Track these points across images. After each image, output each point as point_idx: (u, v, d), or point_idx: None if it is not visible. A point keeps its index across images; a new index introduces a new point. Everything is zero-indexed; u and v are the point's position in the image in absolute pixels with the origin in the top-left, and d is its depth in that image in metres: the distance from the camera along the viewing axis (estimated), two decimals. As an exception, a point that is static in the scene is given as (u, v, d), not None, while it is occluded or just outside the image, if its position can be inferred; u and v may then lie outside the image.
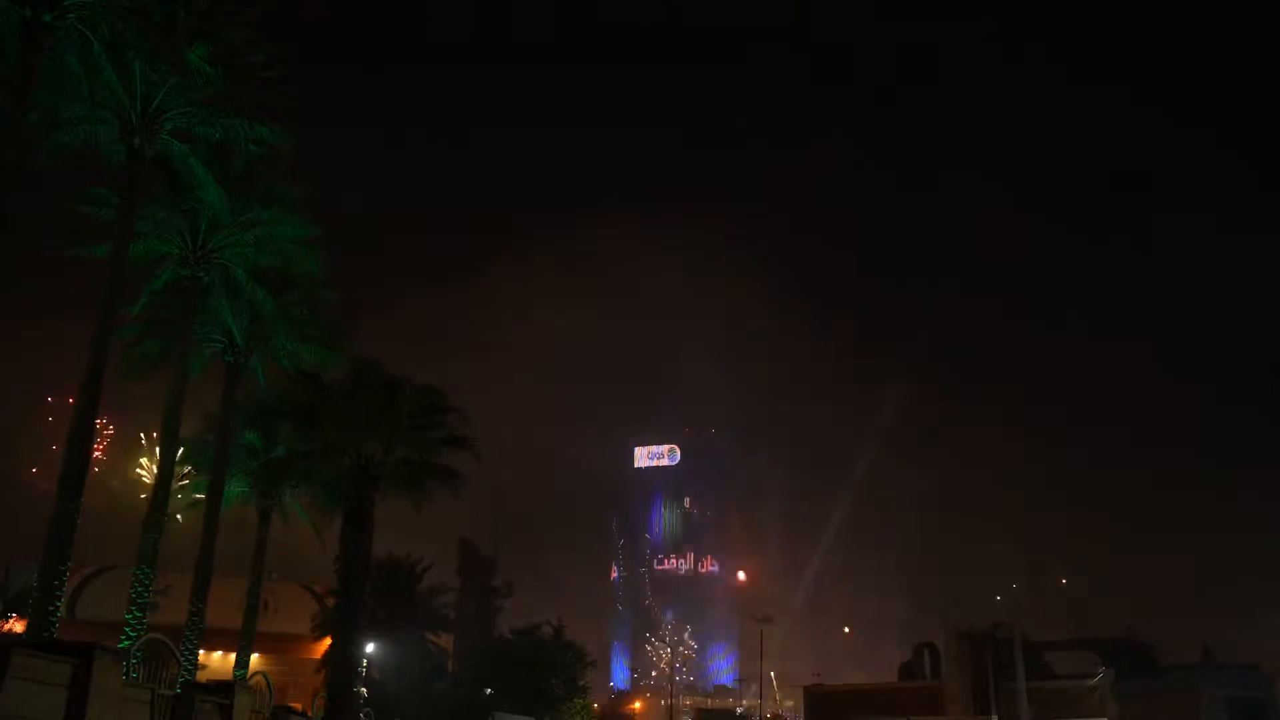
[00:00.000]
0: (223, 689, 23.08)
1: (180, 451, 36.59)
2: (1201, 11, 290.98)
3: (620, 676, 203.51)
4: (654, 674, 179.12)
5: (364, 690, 42.92)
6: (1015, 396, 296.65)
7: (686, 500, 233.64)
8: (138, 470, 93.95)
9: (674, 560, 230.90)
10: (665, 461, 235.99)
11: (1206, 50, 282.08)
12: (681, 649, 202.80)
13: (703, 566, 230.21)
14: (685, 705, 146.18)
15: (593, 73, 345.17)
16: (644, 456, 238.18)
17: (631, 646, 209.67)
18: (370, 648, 49.91)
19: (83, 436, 26.10)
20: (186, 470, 46.76)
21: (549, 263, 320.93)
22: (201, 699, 21.39)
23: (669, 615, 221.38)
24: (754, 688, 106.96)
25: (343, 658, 32.94)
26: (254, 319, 37.74)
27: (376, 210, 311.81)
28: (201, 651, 37.93)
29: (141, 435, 67.58)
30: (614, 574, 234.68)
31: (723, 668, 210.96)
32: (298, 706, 33.99)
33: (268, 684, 27.75)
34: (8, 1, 24.05)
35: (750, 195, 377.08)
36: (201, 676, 35.25)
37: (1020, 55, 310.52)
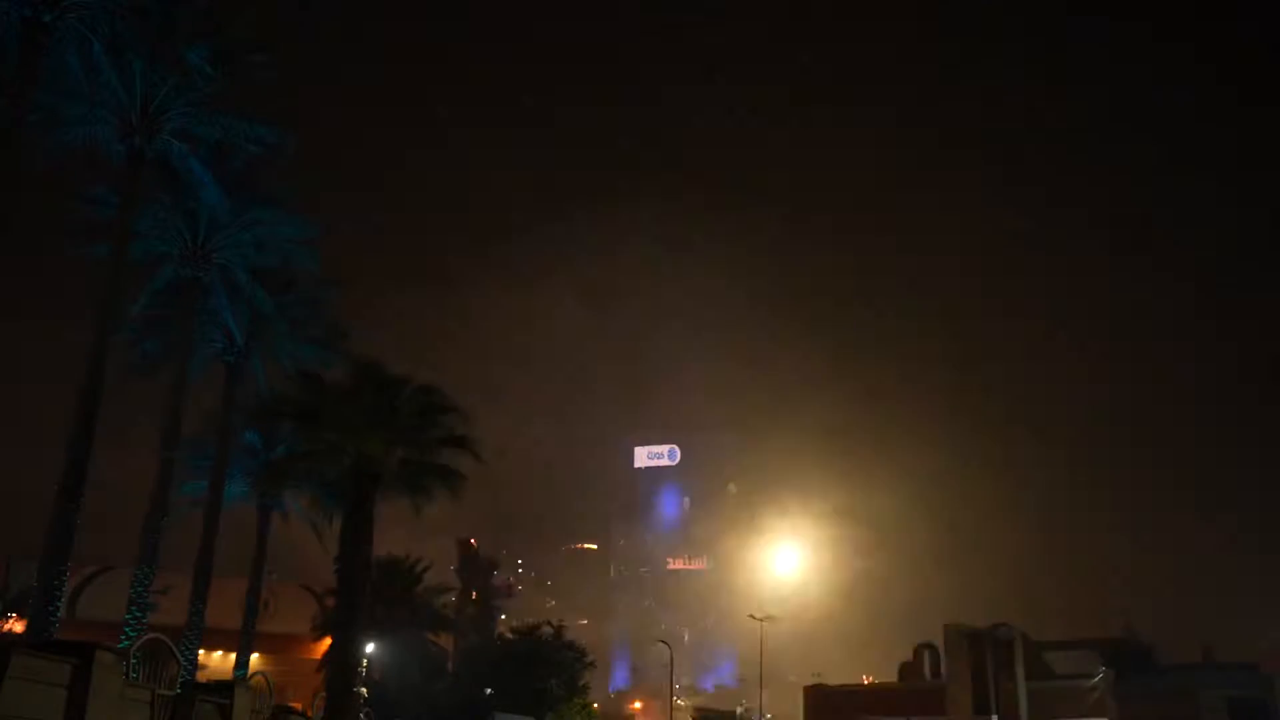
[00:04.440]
0: (223, 689, 23.07)
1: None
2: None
3: (620, 676, 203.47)
4: (654, 674, 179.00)
5: (364, 690, 42.91)
6: (1015, 395, 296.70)
7: (686, 500, 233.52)
8: None
9: (674, 560, 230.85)
10: (665, 461, 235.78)
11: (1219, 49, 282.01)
12: (681, 649, 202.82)
13: (703, 566, 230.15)
14: (685, 705, 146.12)
15: (589, 73, 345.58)
16: (644, 456, 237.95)
17: (631, 646, 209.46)
18: (370, 648, 49.87)
19: (82, 437, 26.10)
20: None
21: (548, 262, 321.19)
22: (201, 699, 21.37)
23: (669, 615, 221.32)
24: (754, 688, 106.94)
25: (343, 658, 32.86)
26: (254, 319, 37.79)
27: (375, 210, 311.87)
28: (201, 651, 37.96)
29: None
30: (614, 574, 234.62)
31: (723, 668, 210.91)
32: (298, 706, 33.95)
33: (268, 684, 27.74)
34: (8, 1, 24.05)
35: (751, 194, 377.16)
36: (201, 676, 35.29)
37: (1011, 53, 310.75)
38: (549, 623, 74.94)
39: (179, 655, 28.29)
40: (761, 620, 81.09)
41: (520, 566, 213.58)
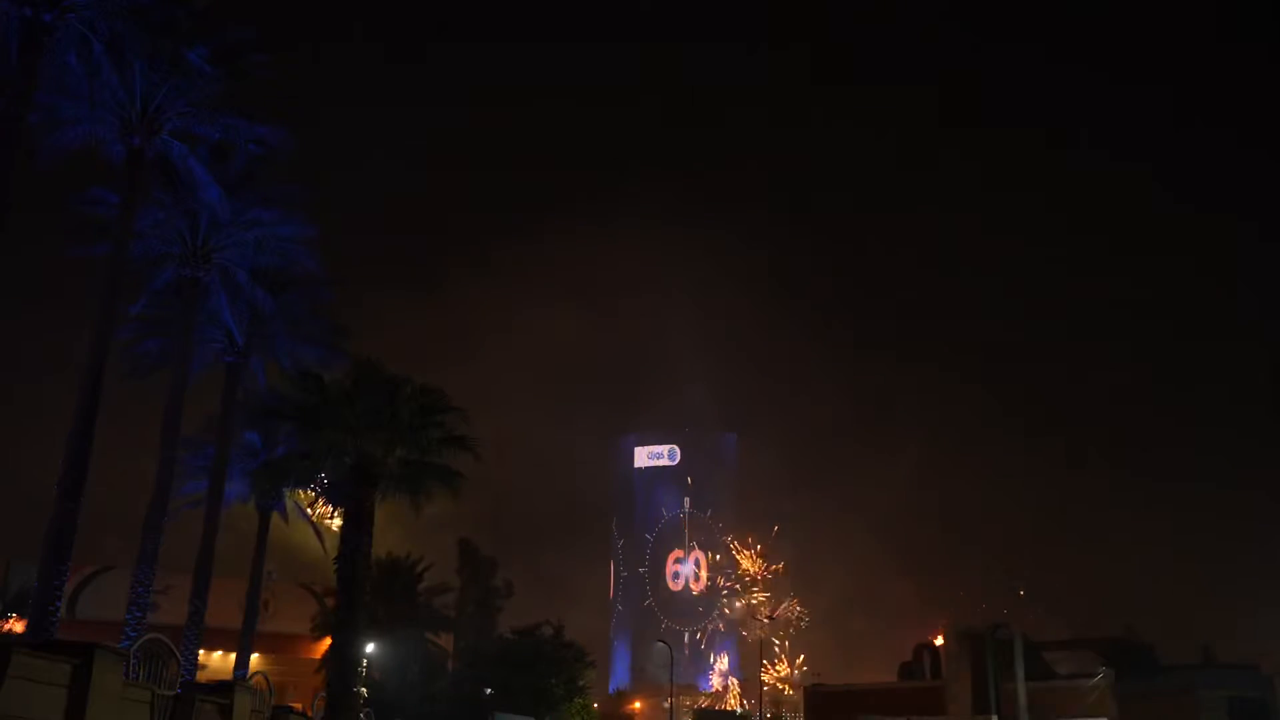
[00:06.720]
0: (223, 689, 23.09)
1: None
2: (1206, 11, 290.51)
3: (620, 676, 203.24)
4: (654, 674, 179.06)
5: (364, 690, 42.92)
6: (1015, 394, 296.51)
7: (686, 500, 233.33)
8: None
9: (674, 560, 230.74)
10: (665, 461, 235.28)
11: (1221, 48, 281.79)
12: (681, 649, 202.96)
13: (703, 566, 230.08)
14: (685, 705, 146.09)
15: (589, 74, 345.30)
16: (644, 456, 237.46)
17: (631, 646, 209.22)
18: (370, 648, 49.88)
19: (83, 437, 26.10)
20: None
21: (547, 262, 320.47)
22: (201, 699, 21.39)
23: (669, 615, 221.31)
24: (754, 688, 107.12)
25: (343, 658, 32.89)
26: (254, 319, 37.80)
27: (374, 211, 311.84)
28: (201, 651, 37.94)
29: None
30: (614, 574, 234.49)
31: (724, 668, 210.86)
32: (298, 706, 33.98)
33: (268, 684, 27.78)
34: (8, 1, 24.06)
35: (750, 194, 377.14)
36: (201, 676, 35.33)
37: (1019, 52, 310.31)
38: (549, 623, 74.91)
39: (179, 655, 28.34)
40: (762, 620, 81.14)
41: (520, 566, 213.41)
